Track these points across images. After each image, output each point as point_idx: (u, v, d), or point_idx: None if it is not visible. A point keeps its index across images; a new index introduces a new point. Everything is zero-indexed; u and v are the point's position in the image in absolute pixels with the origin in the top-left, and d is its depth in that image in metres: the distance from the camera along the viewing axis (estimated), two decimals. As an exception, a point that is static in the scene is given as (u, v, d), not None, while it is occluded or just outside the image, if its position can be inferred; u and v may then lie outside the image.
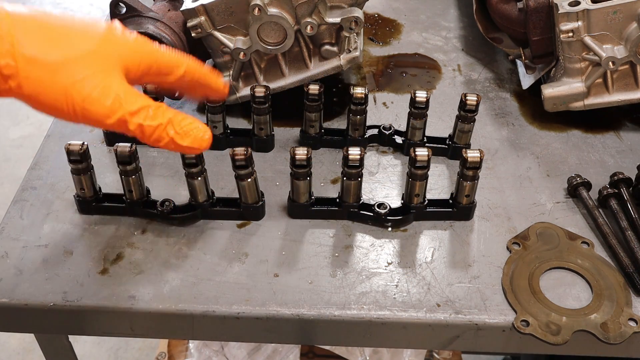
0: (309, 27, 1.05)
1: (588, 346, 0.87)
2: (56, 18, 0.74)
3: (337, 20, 1.05)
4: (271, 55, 1.10)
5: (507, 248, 0.96)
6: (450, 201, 0.99)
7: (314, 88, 1.04)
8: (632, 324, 0.86)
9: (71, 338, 1.04)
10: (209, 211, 0.98)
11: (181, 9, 1.06)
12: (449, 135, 1.10)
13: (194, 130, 0.79)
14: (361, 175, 0.94)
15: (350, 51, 1.11)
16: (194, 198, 0.97)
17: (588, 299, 0.90)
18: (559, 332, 0.85)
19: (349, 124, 1.09)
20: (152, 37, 1.06)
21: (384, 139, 1.12)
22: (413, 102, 1.04)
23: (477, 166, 0.93)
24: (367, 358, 1.71)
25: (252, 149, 0.93)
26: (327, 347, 1.72)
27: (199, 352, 1.74)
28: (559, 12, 1.07)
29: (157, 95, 1.04)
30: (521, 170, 1.09)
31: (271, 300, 0.88)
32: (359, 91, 1.04)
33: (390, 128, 1.12)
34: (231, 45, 1.08)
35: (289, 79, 1.13)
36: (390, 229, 0.98)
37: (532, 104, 1.22)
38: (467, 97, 1.03)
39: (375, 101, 1.23)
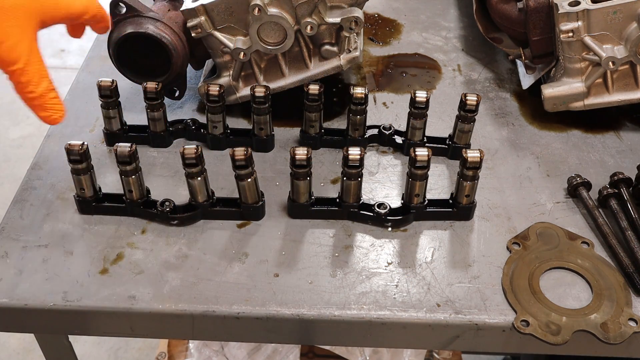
0: (309, 27, 1.05)
1: (588, 346, 0.87)
2: None
3: (337, 20, 1.05)
4: (271, 55, 1.10)
5: (507, 248, 0.96)
6: (450, 201, 0.99)
7: (314, 88, 1.04)
8: (632, 324, 0.86)
9: (71, 338, 1.04)
10: (209, 211, 0.98)
11: (181, 9, 1.06)
12: (449, 135, 1.10)
13: (54, 107, 0.92)
14: (361, 175, 0.94)
15: (350, 51, 1.11)
16: (194, 198, 0.97)
17: (588, 299, 0.90)
18: (559, 332, 0.85)
19: (349, 124, 1.09)
20: (152, 37, 1.06)
21: (384, 139, 1.12)
22: (413, 102, 1.04)
23: (477, 166, 0.93)
24: (367, 358, 1.71)
25: (252, 149, 0.93)
26: (327, 347, 1.72)
27: (199, 352, 1.74)
28: (559, 12, 1.07)
29: (157, 94, 1.04)
30: (521, 170, 1.09)
31: (271, 300, 0.88)
32: (359, 91, 1.04)
33: (390, 128, 1.12)
34: (231, 45, 1.08)
35: (289, 79, 1.13)
36: (390, 229, 0.98)
37: (532, 104, 1.22)
38: (467, 97, 1.03)
39: (375, 101, 1.23)
